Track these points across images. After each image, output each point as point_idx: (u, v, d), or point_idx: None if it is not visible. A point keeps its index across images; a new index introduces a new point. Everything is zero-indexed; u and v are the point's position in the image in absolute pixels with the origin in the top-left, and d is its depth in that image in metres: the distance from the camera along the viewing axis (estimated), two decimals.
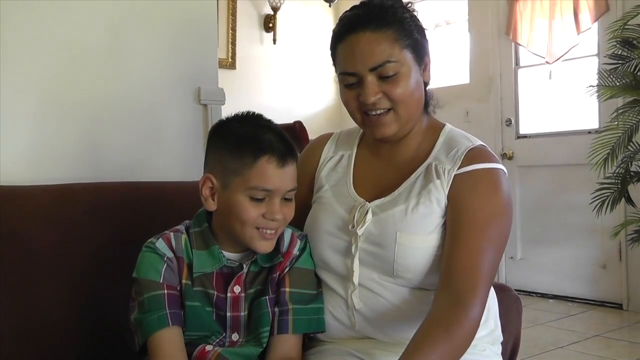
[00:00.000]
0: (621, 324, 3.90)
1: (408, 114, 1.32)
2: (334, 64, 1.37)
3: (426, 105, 1.40)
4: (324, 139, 1.54)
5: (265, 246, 1.27)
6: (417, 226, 1.28)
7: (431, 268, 1.29)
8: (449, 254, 1.26)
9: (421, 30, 1.34)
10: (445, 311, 1.20)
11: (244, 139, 1.25)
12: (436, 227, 1.29)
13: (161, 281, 1.25)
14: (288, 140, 1.29)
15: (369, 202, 1.34)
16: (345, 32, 1.30)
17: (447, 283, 1.23)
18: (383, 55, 1.27)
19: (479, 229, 1.26)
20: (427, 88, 1.40)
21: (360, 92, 1.29)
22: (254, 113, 1.32)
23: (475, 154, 1.32)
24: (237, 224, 1.25)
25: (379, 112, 1.30)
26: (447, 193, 1.29)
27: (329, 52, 1.37)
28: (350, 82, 1.31)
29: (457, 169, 1.30)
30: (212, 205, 1.28)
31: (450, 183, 1.30)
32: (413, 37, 1.31)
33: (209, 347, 1.28)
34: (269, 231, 1.26)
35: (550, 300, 4.45)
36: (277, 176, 1.24)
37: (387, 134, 1.33)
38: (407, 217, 1.29)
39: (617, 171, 3.39)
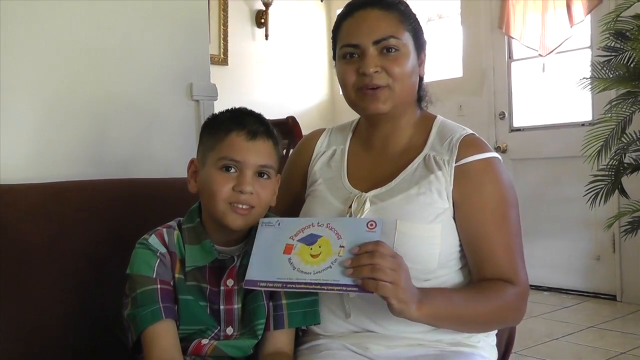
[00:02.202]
0: (615, 315, 3.91)
1: (402, 94, 1.35)
2: (335, 44, 1.41)
3: (420, 99, 1.44)
4: (316, 134, 1.55)
5: (237, 221, 1.26)
6: (417, 215, 1.30)
7: (430, 258, 1.30)
8: (478, 258, 1.32)
9: (420, 27, 1.40)
10: (493, 284, 1.29)
11: (222, 119, 1.32)
12: (437, 217, 1.30)
13: (154, 276, 1.26)
14: (265, 122, 1.33)
15: (365, 192, 1.36)
16: (354, 9, 1.37)
17: (488, 278, 1.30)
18: (388, 30, 1.33)
19: (499, 225, 1.32)
20: (423, 83, 1.44)
21: (360, 65, 1.33)
22: (240, 107, 1.37)
23: (469, 143, 1.36)
24: (211, 198, 1.27)
25: (375, 86, 1.32)
26: (451, 188, 1.32)
27: (331, 35, 1.44)
28: (350, 53, 1.35)
29: (456, 161, 1.33)
30: (193, 187, 1.34)
31: (452, 176, 1.32)
32: (415, 26, 1.38)
33: (204, 341, 1.29)
34: (240, 205, 1.26)
35: (545, 293, 4.47)
36: (246, 148, 1.27)
37: (381, 109, 1.34)
38: (407, 205, 1.31)
39: (610, 163, 3.39)
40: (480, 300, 1.27)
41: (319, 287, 1.16)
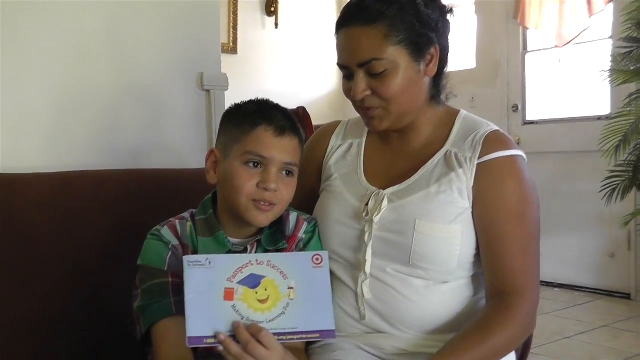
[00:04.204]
0: (629, 314, 3.85)
1: (400, 110, 1.28)
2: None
3: (437, 95, 1.35)
4: (331, 127, 1.51)
5: (259, 218, 1.24)
6: (437, 214, 1.26)
7: (449, 260, 1.26)
8: (492, 259, 1.27)
9: (426, 21, 1.25)
10: (494, 313, 1.23)
11: (248, 112, 1.28)
12: (457, 217, 1.26)
13: (166, 269, 1.24)
14: (291, 117, 1.29)
15: (383, 190, 1.31)
16: (340, 24, 1.28)
17: (496, 290, 1.26)
18: (370, 52, 1.23)
19: (516, 227, 1.26)
20: (441, 78, 1.34)
21: (352, 86, 1.28)
22: (264, 98, 1.34)
23: (493, 139, 1.30)
24: (233, 193, 1.23)
25: (368, 107, 1.28)
26: (471, 184, 1.27)
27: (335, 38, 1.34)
28: (346, 74, 1.30)
29: (479, 158, 1.28)
30: (213, 178, 1.30)
31: (474, 173, 1.27)
32: (411, 30, 1.23)
33: None
34: (263, 202, 1.23)
35: (556, 289, 4.42)
36: (273, 145, 1.24)
37: (379, 128, 1.31)
38: (427, 204, 1.27)
39: (628, 159, 3.33)
40: (488, 342, 1.21)
41: (277, 337, 1.07)
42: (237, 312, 1.07)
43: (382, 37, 1.22)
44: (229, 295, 1.08)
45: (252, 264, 1.10)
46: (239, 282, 1.09)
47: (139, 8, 1.92)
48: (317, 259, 1.12)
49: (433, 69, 1.29)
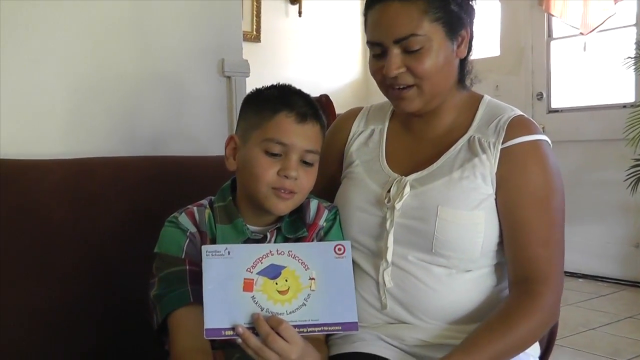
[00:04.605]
0: None
1: (433, 90, 1.26)
2: (365, 30, 1.32)
3: (462, 79, 1.34)
4: (353, 113, 1.49)
5: (279, 206, 1.22)
6: (460, 200, 1.23)
7: (472, 247, 1.24)
8: (515, 247, 1.24)
9: (459, 2, 1.26)
10: (516, 303, 1.21)
11: (269, 97, 1.26)
12: (480, 204, 1.24)
13: (183, 257, 1.23)
14: (313, 104, 1.26)
15: (405, 176, 1.29)
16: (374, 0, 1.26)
17: (519, 278, 1.24)
18: (409, 27, 1.21)
19: (539, 213, 1.23)
20: (466, 62, 1.33)
21: (384, 64, 1.25)
22: (285, 83, 1.31)
23: (517, 124, 1.28)
24: (252, 181, 1.21)
25: (401, 86, 1.25)
26: (495, 170, 1.25)
27: (362, 18, 1.32)
28: (376, 52, 1.27)
29: (502, 143, 1.25)
30: (232, 165, 1.28)
31: (497, 159, 1.25)
32: (447, 9, 1.24)
33: None
34: (284, 190, 1.21)
35: (580, 280, 4.38)
36: (294, 132, 1.21)
37: (410, 109, 1.28)
38: (449, 190, 1.24)
39: None
40: (512, 335, 1.18)
41: (297, 330, 1.05)
42: (256, 303, 1.05)
43: (420, 13, 1.21)
44: (248, 286, 1.06)
45: (272, 254, 1.08)
46: (259, 273, 1.07)
47: None
48: (340, 249, 1.10)
49: (464, 50, 1.29)
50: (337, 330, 1.10)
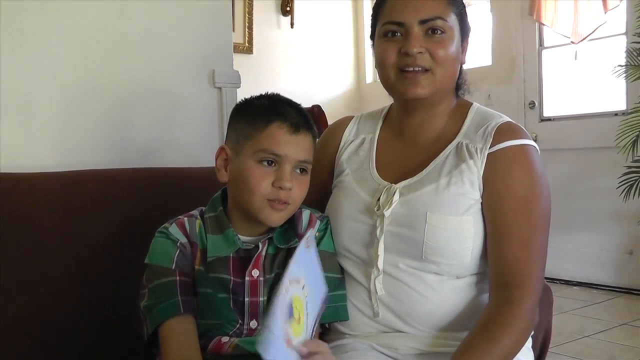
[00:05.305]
0: None
1: (444, 80, 1.29)
2: (375, 21, 1.35)
3: (458, 87, 1.38)
4: (344, 122, 1.49)
5: (273, 217, 1.22)
6: (448, 206, 1.24)
7: (462, 253, 1.24)
8: (496, 249, 1.24)
9: (466, 12, 1.35)
10: (496, 314, 1.20)
11: (260, 108, 1.25)
12: (469, 209, 1.24)
13: (173, 267, 1.22)
14: (305, 114, 1.27)
15: (395, 184, 1.30)
16: None
17: (499, 281, 1.23)
18: (436, 10, 1.27)
19: (522, 215, 1.23)
20: (462, 71, 1.38)
21: (403, 44, 1.27)
22: (274, 93, 1.31)
23: (505, 130, 1.29)
24: (246, 193, 1.21)
25: (417, 68, 1.27)
26: (481, 174, 1.25)
27: (372, 11, 1.37)
28: (393, 31, 1.29)
29: (489, 148, 1.26)
30: (224, 176, 1.27)
31: (484, 163, 1.25)
32: (462, 10, 1.32)
33: (225, 339, 1.23)
34: (278, 202, 1.21)
35: (575, 287, 4.37)
36: (288, 142, 1.21)
37: (420, 94, 1.28)
38: (437, 196, 1.25)
39: None
40: (496, 349, 1.16)
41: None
42: (294, 349, 1.00)
43: (446, 3, 1.29)
44: (288, 343, 0.99)
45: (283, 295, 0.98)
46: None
47: (150, 4, 1.91)
48: (307, 244, 1.07)
49: (464, 58, 1.35)
50: (323, 308, 1.11)
